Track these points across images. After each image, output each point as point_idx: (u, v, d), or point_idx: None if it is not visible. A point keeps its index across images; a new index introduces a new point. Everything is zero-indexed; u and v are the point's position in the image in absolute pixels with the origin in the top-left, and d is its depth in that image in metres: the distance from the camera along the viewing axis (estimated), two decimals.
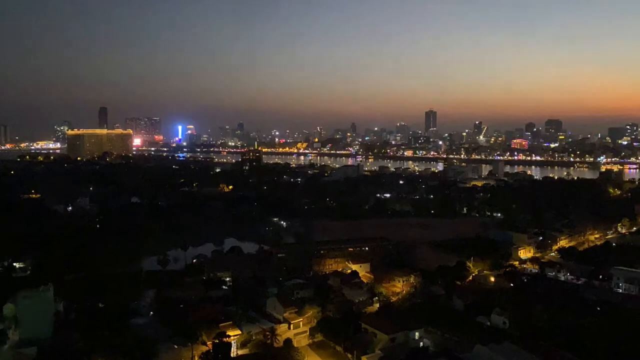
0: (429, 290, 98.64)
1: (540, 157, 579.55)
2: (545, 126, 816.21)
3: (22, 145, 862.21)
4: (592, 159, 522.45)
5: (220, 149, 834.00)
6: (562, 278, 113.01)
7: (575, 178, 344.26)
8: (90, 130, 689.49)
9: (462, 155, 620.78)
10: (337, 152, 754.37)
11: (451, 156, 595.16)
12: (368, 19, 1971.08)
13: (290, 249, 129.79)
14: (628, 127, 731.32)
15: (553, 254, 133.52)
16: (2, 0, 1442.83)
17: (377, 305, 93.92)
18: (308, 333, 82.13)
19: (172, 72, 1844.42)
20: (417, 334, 76.02)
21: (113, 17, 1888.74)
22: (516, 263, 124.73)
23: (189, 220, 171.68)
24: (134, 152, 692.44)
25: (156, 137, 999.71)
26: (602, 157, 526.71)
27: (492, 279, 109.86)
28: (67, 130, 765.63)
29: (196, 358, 70.46)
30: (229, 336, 74.67)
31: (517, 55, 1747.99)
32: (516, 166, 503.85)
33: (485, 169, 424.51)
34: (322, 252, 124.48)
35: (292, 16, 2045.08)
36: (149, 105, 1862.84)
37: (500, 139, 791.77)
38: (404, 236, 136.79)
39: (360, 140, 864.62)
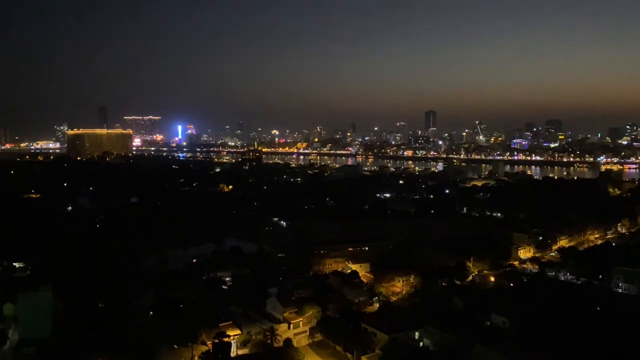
0: (429, 290, 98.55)
1: (540, 157, 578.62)
2: (545, 126, 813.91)
3: (22, 145, 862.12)
4: (592, 159, 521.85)
5: (220, 149, 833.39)
6: (562, 278, 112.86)
7: (575, 178, 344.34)
8: (90, 130, 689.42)
9: (462, 155, 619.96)
10: (337, 152, 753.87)
11: (451, 156, 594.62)
12: (367, 19, 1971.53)
13: (290, 249, 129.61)
14: (628, 127, 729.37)
15: (553, 254, 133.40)
16: (1, 1, 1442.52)
17: (377, 305, 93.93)
18: (308, 333, 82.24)
19: (172, 72, 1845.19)
20: (417, 333, 76.07)
21: (113, 17, 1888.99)
22: (516, 263, 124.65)
23: (189, 220, 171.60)
24: (134, 152, 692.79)
25: (156, 137, 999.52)
26: (602, 157, 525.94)
27: (492, 278, 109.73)
28: (67, 130, 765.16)
29: (196, 358, 70.50)
30: (229, 336, 74.79)
31: (517, 55, 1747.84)
32: (516, 166, 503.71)
33: (485, 169, 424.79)
34: (322, 252, 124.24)
35: (291, 16, 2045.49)
36: (149, 105, 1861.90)
37: (500, 139, 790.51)
38: (404, 236, 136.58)
39: (360, 140, 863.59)
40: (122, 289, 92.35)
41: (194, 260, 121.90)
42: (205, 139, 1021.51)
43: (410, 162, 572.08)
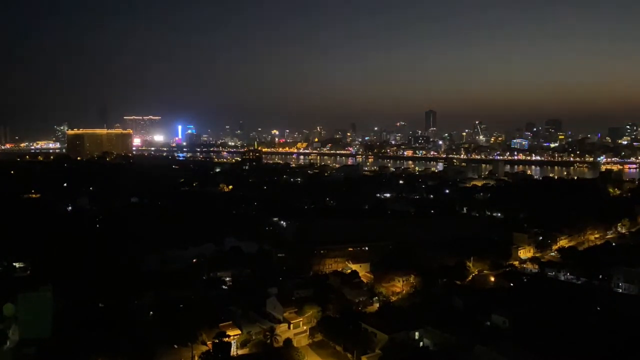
0: (429, 290, 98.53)
1: (540, 157, 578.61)
2: (545, 126, 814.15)
3: (22, 145, 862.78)
4: (592, 159, 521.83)
5: (220, 149, 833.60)
6: (562, 278, 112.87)
7: (575, 178, 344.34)
8: (90, 130, 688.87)
9: (462, 155, 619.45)
10: (337, 152, 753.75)
11: (451, 156, 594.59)
12: (368, 19, 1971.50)
13: (290, 249, 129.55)
14: (628, 127, 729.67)
15: (553, 254, 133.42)
16: (2, 1, 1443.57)
17: (377, 305, 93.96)
18: (308, 333, 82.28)
19: (172, 72, 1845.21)
20: (417, 333, 76.07)
21: (112, 17, 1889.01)
22: (516, 263, 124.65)
23: (189, 220, 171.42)
24: (134, 152, 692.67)
25: (156, 137, 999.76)
26: (602, 157, 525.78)
27: (492, 278, 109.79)
28: (67, 130, 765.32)
29: (196, 358, 70.54)
30: (229, 336, 74.88)
31: (517, 55, 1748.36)
32: (516, 166, 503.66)
33: (485, 169, 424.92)
34: (322, 252, 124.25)
35: (292, 16, 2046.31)
36: (149, 105, 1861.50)
37: (500, 138, 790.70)
38: (404, 236, 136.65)
39: (360, 140, 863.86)
40: (122, 289, 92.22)
41: (194, 260, 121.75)
42: (205, 139, 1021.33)
43: (410, 162, 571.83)
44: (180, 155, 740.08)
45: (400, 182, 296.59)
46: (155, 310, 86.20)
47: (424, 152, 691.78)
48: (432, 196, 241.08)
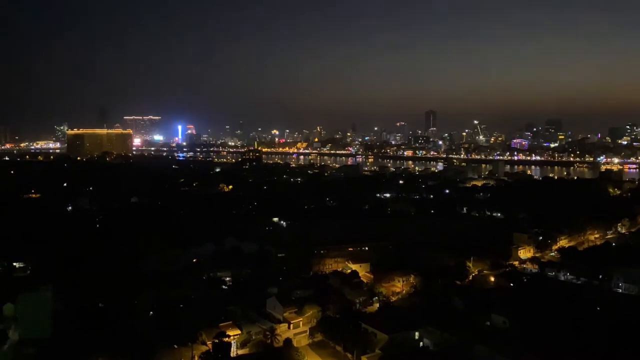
0: (429, 290, 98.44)
1: (540, 157, 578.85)
2: (545, 126, 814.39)
3: (22, 145, 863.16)
4: (592, 159, 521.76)
5: (220, 149, 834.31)
6: (562, 278, 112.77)
7: (575, 178, 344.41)
8: (90, 130, 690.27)
9: (462, 155, 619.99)
10: (337, 152, 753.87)
11: (451, 156, 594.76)
12: (368, 19, 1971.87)
13: (290, 249, 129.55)
14: (628, 127, 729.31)
15: (553, 254, 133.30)
16: (2, 1, 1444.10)
17: (377, 305, 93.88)
18: (308, 333, 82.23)
19: (173, 72, 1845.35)
20: (417, 333, 75.99)
21: (112, 17, 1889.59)
22: (516, 263, 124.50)
23: (189, 220, 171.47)
24: (134, 152, 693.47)
25: (156, 137, 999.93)
26: (602, 157, 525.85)
27: (492, 279, 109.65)
28: (67, 130, 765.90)
29: (196, 358, 70.51)
30: (229, 336, 74.83)
31: (517, 55, 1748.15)
32: (516, 166, 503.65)
33: (485, 169, 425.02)
34: (322, 252, 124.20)
35: (291, 17, 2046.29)
36: (149, 105, 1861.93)
37: (500, 138, 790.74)
38: (404, 236, 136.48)
39: (360, 140, 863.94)
40: (122, 289, 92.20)
41: (194, 260, 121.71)
42: (205, 139, 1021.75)
43: (410, 162, 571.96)
44: (180, 155, 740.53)
45: (400, 182, 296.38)
46: (155, 310, 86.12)
47: (424, 152, 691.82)
48: (432, 196, 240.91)
